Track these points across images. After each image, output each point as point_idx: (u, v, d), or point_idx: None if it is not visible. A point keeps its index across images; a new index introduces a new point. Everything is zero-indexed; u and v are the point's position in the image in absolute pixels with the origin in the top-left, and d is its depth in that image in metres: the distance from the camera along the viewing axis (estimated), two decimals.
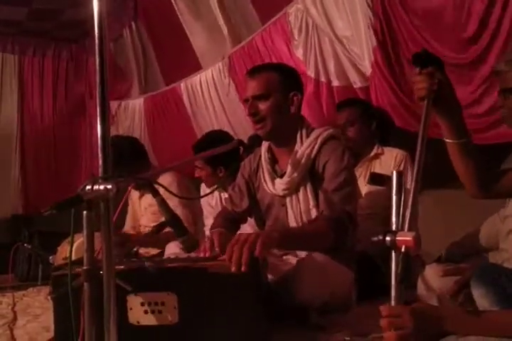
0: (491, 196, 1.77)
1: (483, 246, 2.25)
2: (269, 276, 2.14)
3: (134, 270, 1.78)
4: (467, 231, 2.33)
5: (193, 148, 3.20)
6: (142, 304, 1.79)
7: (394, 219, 1.31)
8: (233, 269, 1.76)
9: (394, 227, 1.29)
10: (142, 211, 3.74)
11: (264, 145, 2.50)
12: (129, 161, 3.47)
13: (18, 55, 6.47)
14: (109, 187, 1.35)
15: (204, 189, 3.48)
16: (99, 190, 1.35)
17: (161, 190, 1.85)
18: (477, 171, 1.68)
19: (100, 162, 1.42)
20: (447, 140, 1.65)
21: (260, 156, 2.52)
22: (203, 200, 3.56)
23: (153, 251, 3.46)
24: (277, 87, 2.34)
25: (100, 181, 1.37)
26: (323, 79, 3.48)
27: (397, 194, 1.33)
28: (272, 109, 2.32)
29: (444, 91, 1.54)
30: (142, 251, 3.55)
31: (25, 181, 6.53)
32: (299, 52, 3.62)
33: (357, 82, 3.27)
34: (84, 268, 1.39)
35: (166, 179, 3.34)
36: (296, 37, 3.61)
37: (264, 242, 1.83)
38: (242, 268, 1.75)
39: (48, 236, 4.07)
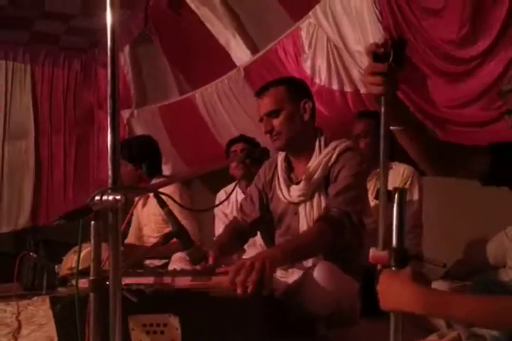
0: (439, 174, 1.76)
1: (490, 263, 2.24)
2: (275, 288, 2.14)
3: (135, 291, 1.76)
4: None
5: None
6: (144, 325, 1.78)
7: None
8: (239, 291, 1.78)
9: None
10: (145, 220, 3.74)
11: (281, 154, 2.54)
12: (144, 157, 3.59)
13: (30, 64, 6.50)
14: (118, 197, 1.35)
15: (220, 198, 3.49)
16: (108, 200, 1.36)
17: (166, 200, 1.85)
18: (424, 154, 1.67)
19: (109, 172, 1.42)
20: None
21: (276, 166, 2.55)
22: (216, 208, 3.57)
23: (158, 262, 3.45)
24: (287, 100, 2.39)
25: (109, 192, 1.37)
26: (348, 89, 3.47)
27: (398, 213, 1.33)
28: (286, 123, 2.37)
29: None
30: (147, 261, 3.54)
31: (38, 192, 6.54)
32: (307, 66, 3.64)
33: None
34: (91, 278, 1.39)
35: (168, 189, 3.33)
36: (306, 50, 3.62)
37: (271, 269, 1.87)
38: (249, 290, 1.77)
39: (54, 246, 4.07)
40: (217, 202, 3.57)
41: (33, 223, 6.41)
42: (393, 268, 1.29)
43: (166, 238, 1.80)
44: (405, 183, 3.01)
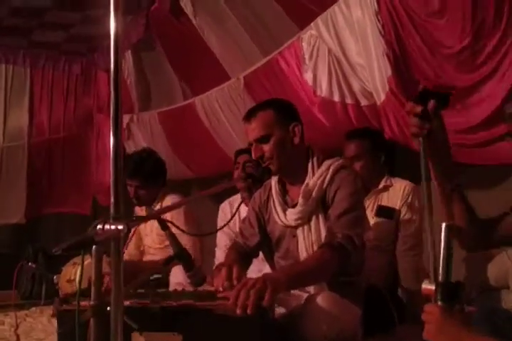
0: (486, 246, 1.73)
1: (492, 285, 2.23)
2: (277, 310, 2.13)
3: (139, 309, 1.76)
4: None
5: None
6: None
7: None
8: (238, 312, 1.76)
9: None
10: (147, 231, 3.73)
11: (274, 177, 2.50)
12: (150, 172, 3.61)
13: (30, 68, 6.50)
14: (120, 227, 1.34)
15: (223, 209, 3.49)
16: (110, 230, 1.34)
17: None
18: (468, 219, 1.63)
19: (112, 200, 1.40)
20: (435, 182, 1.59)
21: (270, 188, 2.52)
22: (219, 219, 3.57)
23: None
24: (276, 125, 2.34)
25: (111, 221, 1.36)
26: (349, 101, 3.44)
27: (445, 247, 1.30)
28: (276, 148, 2.32)
29: (434, 136, 1.49)
30: None
31: (32, 192, 6.54)
32: (308, 76, 3.63)
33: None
34: (92, 303, 1.39)
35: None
36: (307, 62, 3.60)
37: (273, 290, 1.83)
38: (248, 311, 1.76)
39: (53, 256, 4.06)
40: (220, 213, 3.57)
41: (28, 220, 6.41)
42: (439, 303, 1.29)
43: (167, 261, 1.80)
44: (406, 200, 2.99)
